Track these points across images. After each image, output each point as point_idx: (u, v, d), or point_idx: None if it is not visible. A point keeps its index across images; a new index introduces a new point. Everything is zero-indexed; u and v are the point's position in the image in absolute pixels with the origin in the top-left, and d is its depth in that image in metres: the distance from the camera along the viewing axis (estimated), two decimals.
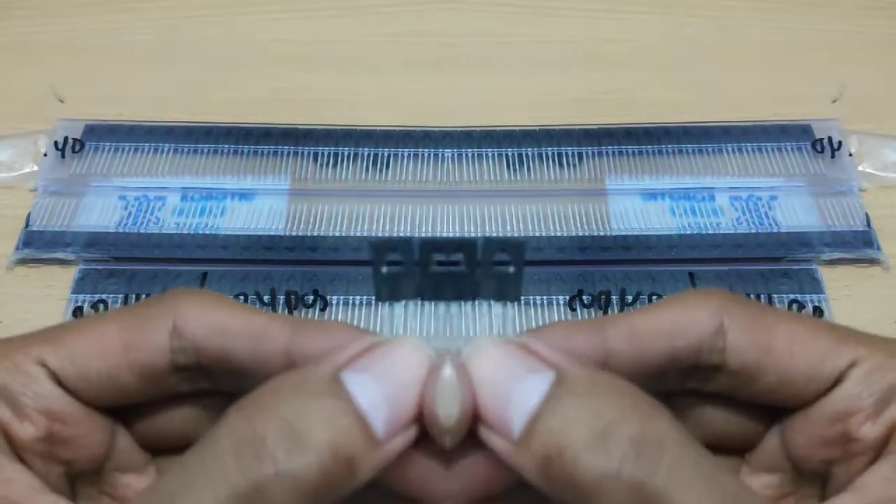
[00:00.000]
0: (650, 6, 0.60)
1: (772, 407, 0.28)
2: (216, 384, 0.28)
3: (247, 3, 0.60)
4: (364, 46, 0.58)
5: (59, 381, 0.27)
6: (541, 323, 0.42)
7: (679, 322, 0.27)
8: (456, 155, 0.51)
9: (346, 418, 0.23)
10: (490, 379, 0.25)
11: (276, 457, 0.22)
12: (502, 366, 0.25)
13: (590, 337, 0.27)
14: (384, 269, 0.26)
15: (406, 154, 0.51)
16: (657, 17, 0.59)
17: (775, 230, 0.47)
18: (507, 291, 0.26)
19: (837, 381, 0.27)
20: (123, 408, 0.29)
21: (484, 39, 0.58)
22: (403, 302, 0.27)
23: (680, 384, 0.28)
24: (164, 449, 0.30)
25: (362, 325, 0.39)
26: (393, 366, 0.25)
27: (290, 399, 0.23)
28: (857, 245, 0.47)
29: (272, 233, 0.47)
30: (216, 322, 0.27)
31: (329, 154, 0.51)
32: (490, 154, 0.51)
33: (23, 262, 0.46)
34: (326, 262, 0.46)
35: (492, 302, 0.27)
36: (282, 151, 0.51)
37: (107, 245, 0.47)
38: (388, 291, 0.26)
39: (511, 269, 0.26)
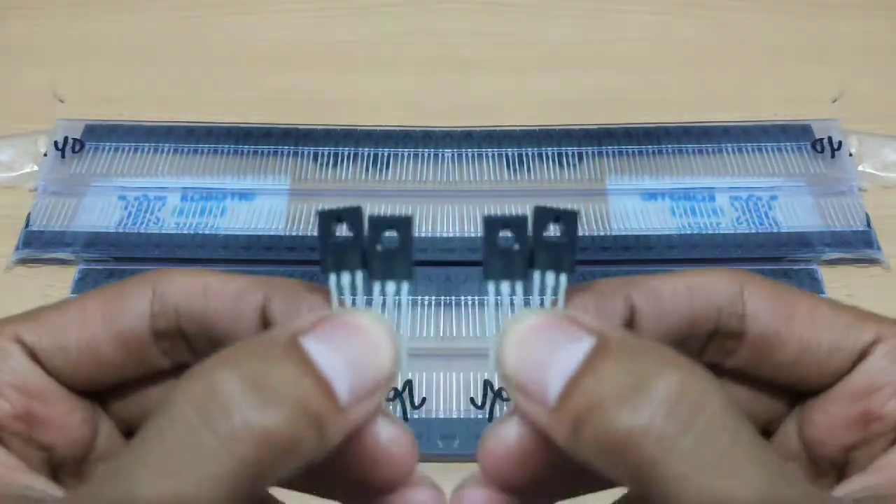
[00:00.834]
0: (650, 6, 0.60)
1: (794, 391, 0.28)
2: (194, 355, 0.28)
3: (247, 3, 0.60)
4: (364, 46, 0.58)
5: (36, 357, 0.26)
6: None
7: (698, 284, 0.27)
8: (456, 155, 0.51)
9: (309, 379, 0.23)
10: (530, 346, 0.24)
11: (244, 410, 0.22)
12: (544, 335, 0.24)
13: (617, 297, 0.27)
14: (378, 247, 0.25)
15: (406, 154, 0.51)
16: (657, 17, 0.59)
17: (775, 230, 0.47)
18: (562, 261, 0.26)
19: (861, 357, 0.26)
20: (102, 391, 0.28)
21: (484, 39, 0.58)
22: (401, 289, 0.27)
23: (701, 354, 0.28)
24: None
25: (355, 286, 0.39)
26: (351, 334, 0.24)
27: (249, 360, 0.23)
28: (857, 245, 0.47)
29: (272, 233, 0.47)
30: (195, 283, 0.27)
31: (329, 154, 0.51)
32: (490, 154, 0.51)
33: (23, 262, 0.46)
34: None
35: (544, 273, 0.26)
36: (282, 151, 0.51)
37: (107, 245, 0.47)
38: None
39: (564, 238, 0.26)
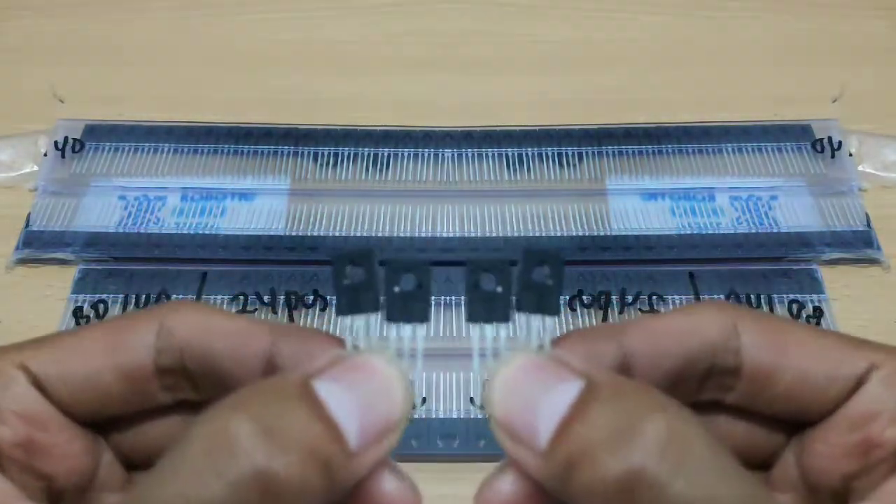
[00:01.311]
0: (650, 6, 0.60)
1: (792, 422, 0.28)
2: (197, 393, 0.28)
3: (246, 3, 0.60)
4: (364, 46, 0.58)
5: (39, 385, 0.26)
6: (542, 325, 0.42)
7: (692, 323, 0.27)
8: (456, 155, 0.51)
9: (320, 424, 0.23)
10: (519, 391, 0.24)
11: (252, 455, 0.22)
12: (532, 378, 0.25)
13: (608, 342, 0.27)
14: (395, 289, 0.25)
15: (406, 154, 0.51)
16: (657, 16, 0.59)
17: (775, 230, 0.47)
18: (547, 304, 0.26)
19: (857, 385, 0.26)
20: (103, 422, 0.28)
21: (484, 39, 0.58)
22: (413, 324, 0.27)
23: (699, 392, 0.28)
24: (142, 465, 0.29)
25: (369, 329, 0.39)
26: (364, 377, 0.24)
27: (261, 404, 0.23)
28: (857, 245, 0.47)
29: (272, 233, 0.47)
30: (201, 321, 0.27)
31: (329, 154, 0.51)
32: (490, 154, 0.51)
33: (23, 262, 0.46)
34: (326, 262, 0.46)
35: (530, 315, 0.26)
36: (282, 151, 0.51)
37: (107, 245, 0.47)
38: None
39: (550, 281, 0.26)
